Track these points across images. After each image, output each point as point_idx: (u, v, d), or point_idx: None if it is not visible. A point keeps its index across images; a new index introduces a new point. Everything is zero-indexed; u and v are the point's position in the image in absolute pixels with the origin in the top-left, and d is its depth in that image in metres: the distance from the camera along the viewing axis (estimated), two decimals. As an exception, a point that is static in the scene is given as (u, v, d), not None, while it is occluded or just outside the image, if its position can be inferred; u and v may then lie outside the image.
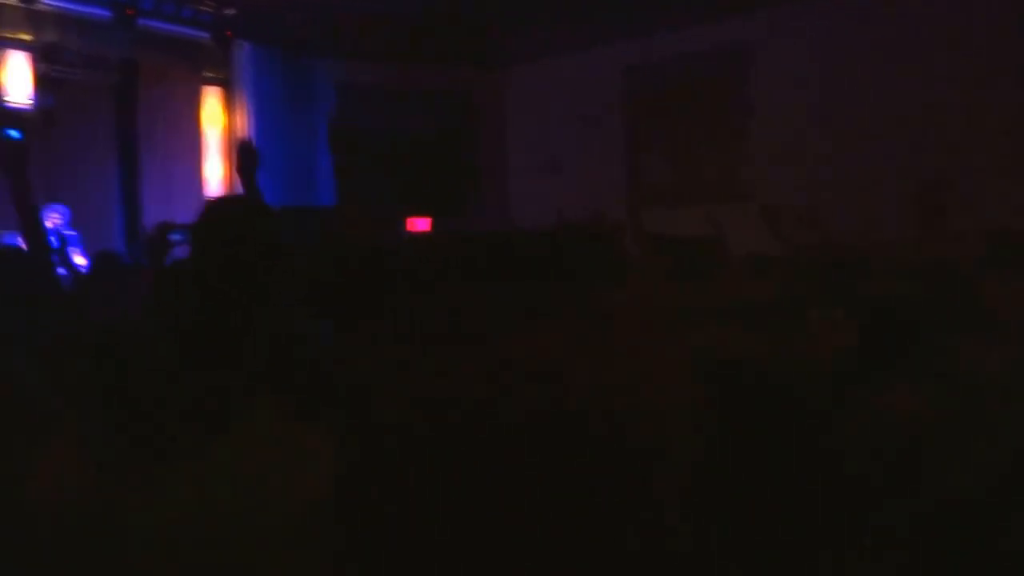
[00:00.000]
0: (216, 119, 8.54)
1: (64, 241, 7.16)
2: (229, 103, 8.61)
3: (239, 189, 3.11)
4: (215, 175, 8.48)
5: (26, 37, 7.43)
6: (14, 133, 8.19)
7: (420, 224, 8.62)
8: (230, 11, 8.07)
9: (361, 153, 9.04)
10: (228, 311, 1.44)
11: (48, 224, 7.42)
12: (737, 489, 1.22)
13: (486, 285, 1.57)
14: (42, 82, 7.56)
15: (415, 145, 9.41)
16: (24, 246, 2.58)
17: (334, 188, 9.02)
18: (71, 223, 7.44)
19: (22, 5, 7.10)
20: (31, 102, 7.60)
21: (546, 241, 1.76)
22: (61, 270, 6.86)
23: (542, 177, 9.39)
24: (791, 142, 7.94)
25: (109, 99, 9.00)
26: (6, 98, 7.48)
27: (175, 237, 3.35)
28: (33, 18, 7.34)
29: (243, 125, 8.62)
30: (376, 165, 8.74)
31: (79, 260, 7.09)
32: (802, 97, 7.93)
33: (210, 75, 8.48)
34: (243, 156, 2.94)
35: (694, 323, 1.91)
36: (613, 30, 8.67)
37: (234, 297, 1.48)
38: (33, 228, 2.45)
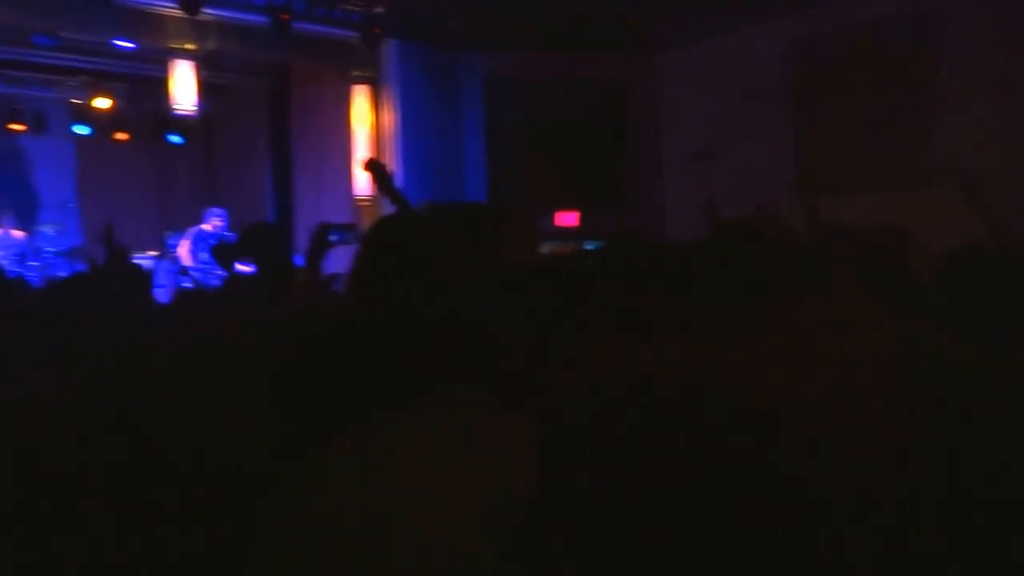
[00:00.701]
0: (364, 117, 8.60)
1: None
2: (377, 101, 8.65)
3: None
4: (364, 174, 8.54)
5: (190, 46, 7.78)
6: (176, 139, 8.52)
7: (568, 218, 8.34)
8: (379, 9, 8.09)
9: (511, 147, 8.87)
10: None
11: (208, 227, 7.70)
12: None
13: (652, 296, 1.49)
14: (202, 89, 7.87)
15: (563, 137, 9.11)
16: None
17: (484, 184, 8.90)
18: (229, 226, 7.69)
19: (187, 16, 7.38)
20: (195, 109, 7.93)
21: (711, 250, 1.59)
22: (217, 275, 7.07)
23: (699, 166, 8.84)
24: (983, 122, 7.01)
25: (262, 102, 9.32)
26: (175, 106, 7.85)
27: (334, 237, 3.35)
28: (196, 28, 7.64)
29: (391, 122, 8.65)
30: (523, 158, 8.51)
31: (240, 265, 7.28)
32: (996, 71, 6.98)
33: (358, 74, 8.55)
34: (375, 173, 2.90)
35: (897, 330, 1.62)
36: (776, 2, 7.99)
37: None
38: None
